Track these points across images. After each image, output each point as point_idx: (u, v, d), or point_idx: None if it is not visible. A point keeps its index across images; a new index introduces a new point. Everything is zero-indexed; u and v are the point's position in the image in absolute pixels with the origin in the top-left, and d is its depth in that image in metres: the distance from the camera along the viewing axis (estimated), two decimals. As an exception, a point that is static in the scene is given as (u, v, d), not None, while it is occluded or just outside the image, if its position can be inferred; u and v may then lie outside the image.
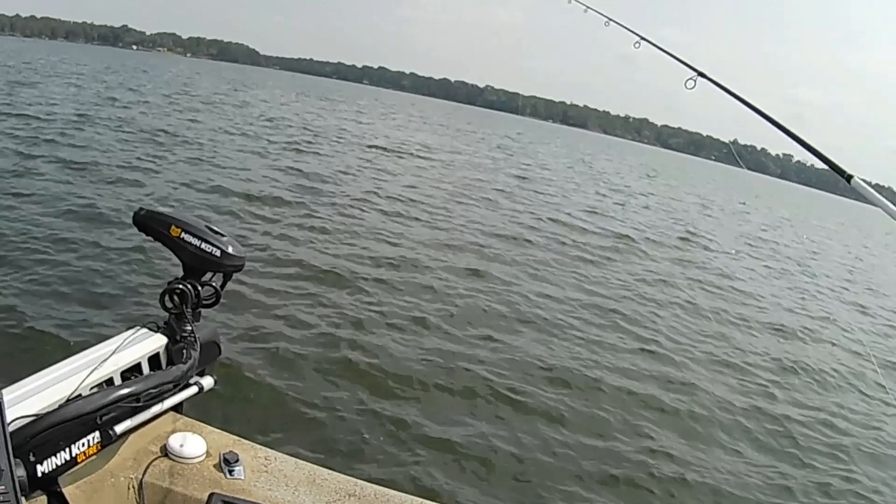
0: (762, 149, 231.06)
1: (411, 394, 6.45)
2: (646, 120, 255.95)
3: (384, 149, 27.59)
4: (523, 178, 27.31)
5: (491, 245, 13.15)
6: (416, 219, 14.50)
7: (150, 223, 2.54)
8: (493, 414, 6.37)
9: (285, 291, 8.44)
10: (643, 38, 3.44)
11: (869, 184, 1.75)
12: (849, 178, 1.83)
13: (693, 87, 2.88)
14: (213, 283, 2.59)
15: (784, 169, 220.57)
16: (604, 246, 15.59)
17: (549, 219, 17.96)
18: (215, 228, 2.56)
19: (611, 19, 3.89)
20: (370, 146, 27.76)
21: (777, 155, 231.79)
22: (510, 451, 5.76)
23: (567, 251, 14.20)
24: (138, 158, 14.79)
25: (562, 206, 21.31)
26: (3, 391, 1.40)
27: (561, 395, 6.93)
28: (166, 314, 2.58)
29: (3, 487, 1.33)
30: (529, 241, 14.34)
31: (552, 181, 29.04)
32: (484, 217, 16.26)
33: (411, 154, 27.95)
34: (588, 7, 4.36)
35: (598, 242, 15.91)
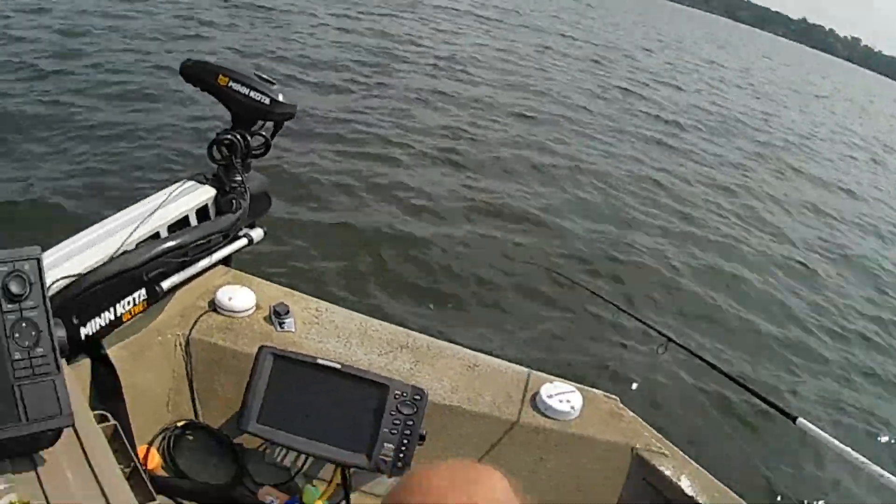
0: (830, 29, 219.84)
1: (463, 245, 6.36)
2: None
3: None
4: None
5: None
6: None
7: (198, 73, 2.41)
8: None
9: (341, 147, 8.12)
10: (620, 308, 3.43)
11: (815, 424, 1.89)
12: (794, 419, 1.99)
13: (664, 353, 2.87)
14: (263, 133, 2.47)
15: (851, 52, 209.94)
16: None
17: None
18: (265, 76, 2.42)
19: (593, 292, 3.86)
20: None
21: (845, 37, 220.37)
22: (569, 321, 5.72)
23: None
24: (188, 19, 13.19)
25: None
26: (45, 252, 1.31)
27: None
28: (215, 166, 2.50)
29: (41, 350, 1.27)
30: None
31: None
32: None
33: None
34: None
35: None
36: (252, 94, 2.35)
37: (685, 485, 2.13)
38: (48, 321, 1.28)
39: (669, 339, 2.90)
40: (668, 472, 2.17)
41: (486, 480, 0.76)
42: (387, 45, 14.39)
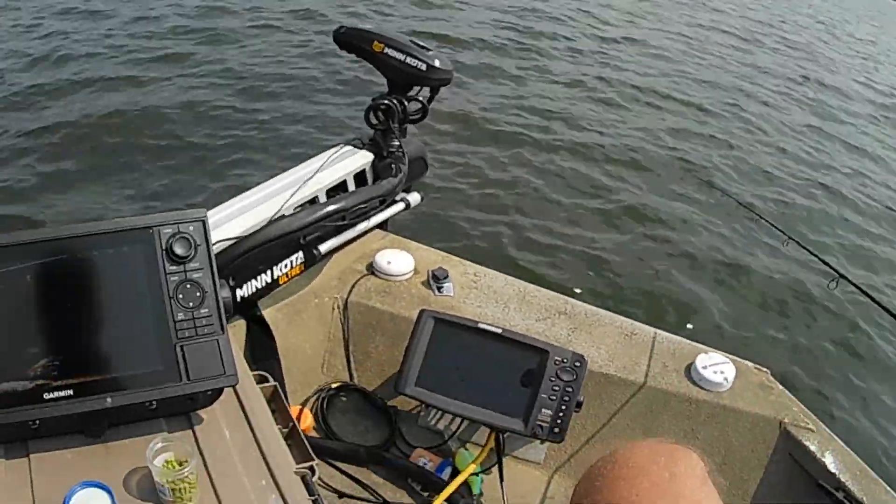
0: None
1: (611, 240, 5.95)
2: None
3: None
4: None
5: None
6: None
7: (352, 39, 2.43)
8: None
9: (501, 107, 7.90)
10: (791, 238, 3.25)
11: None
12: None
13: (835, 288, 2.83)
14: (420, 98, 2.46)
15: None
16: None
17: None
18: (420, 43, 2.40)
19: (760, 216, 3.65)
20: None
21: None
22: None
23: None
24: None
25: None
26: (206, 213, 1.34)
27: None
28: (371, 131, 2.51)
29: (206, 311, 1.29)
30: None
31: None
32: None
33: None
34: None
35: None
36: (408, 59, 2.34)
37: (828, 461, 2.06)
38: (214, 282, 1.31)
39: (841, 276, 2.80)
40: (812, 448, 2.10)
41: (686, 459, 0.81)
42: (534, 25, 13.89)
